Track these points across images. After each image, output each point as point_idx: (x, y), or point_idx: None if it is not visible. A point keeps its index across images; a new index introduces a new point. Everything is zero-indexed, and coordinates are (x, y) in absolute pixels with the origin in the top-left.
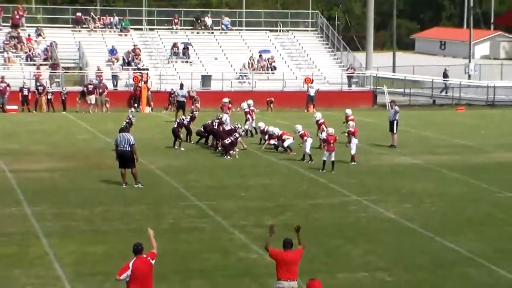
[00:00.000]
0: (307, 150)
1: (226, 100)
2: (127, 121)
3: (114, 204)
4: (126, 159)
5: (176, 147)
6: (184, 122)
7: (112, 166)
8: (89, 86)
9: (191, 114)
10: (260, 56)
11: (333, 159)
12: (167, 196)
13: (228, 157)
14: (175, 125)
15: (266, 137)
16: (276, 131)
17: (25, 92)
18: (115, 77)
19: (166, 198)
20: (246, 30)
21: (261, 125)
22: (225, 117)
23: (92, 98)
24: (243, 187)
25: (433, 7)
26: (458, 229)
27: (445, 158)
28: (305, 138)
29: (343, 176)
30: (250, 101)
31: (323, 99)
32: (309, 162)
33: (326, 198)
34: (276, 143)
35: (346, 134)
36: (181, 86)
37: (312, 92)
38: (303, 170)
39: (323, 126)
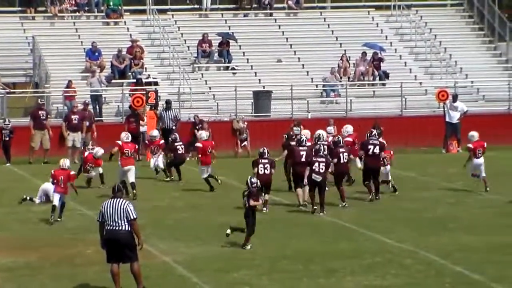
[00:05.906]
0: None
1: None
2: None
3: None
4: (120, 247)
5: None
6: None
7: (96, 260)
8: (72, 116)
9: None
10: (363, 54)
11: None
12: None
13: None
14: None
15: None
16: None
17: None
18: (96, 99)
19: None
20: (332, 8)
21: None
22: None
23: (76, 139)
24: None
25: None
26: None
27: None
28: None
29: None
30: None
31: (474, 128)
32: None
33: None
34: None
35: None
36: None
37: (455, 118)
38: None
39: None
